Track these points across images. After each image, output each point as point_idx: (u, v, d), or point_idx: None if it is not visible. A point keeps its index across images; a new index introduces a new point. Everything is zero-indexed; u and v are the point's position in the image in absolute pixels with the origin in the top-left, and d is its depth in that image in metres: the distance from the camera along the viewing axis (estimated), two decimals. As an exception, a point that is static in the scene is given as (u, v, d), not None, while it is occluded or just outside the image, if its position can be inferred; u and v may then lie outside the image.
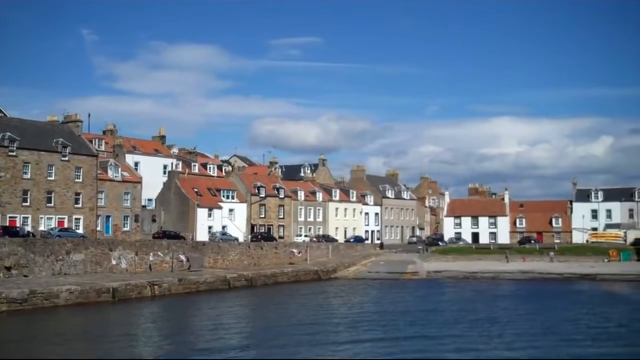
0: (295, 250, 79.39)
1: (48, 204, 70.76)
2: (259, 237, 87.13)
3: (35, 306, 42.23)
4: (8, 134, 68.33)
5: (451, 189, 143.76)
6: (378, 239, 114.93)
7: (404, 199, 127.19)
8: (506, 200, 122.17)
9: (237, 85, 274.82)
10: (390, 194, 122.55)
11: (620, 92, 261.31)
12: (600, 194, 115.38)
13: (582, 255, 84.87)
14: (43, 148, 71.20)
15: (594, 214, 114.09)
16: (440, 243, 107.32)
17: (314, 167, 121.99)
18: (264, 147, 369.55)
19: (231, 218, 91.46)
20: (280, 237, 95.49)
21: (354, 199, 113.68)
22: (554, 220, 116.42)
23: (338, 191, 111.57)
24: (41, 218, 69.75)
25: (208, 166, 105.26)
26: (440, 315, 44.12)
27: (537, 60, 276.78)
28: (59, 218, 71.51)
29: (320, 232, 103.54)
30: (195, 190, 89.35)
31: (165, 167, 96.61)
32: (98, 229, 75.47)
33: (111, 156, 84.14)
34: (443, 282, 70.18)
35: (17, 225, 65.83)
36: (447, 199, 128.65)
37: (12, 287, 43.30)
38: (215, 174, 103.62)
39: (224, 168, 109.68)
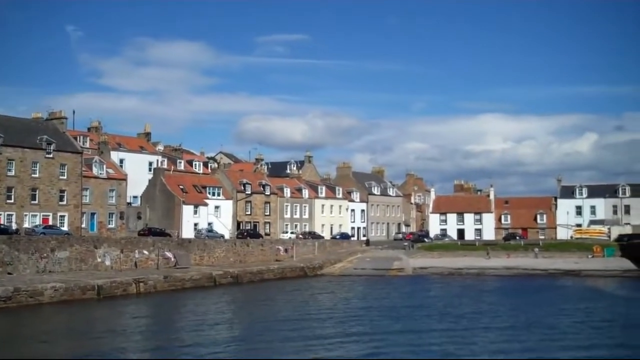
0: (281, 247, 79.41)
1: (32, 201, 70.39)
2: (245, 234, 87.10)
3: (19, 304, 42.00)
4: (-8, 130, 67.91)
5: (437, 186, 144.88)
6: (364, 235, 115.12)
7: (390, 195, 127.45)
8: (491, 196, 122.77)
9: (223, 82, 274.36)
10: (376, 190, 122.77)
11: (605, 89, 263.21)
12: (584, 190, 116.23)
13: (567, 251, 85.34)
14: (27, 145, 70.80)
15: (579, 211, 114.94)
16: (425, 239, 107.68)
17: (300, 164, 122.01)
18: (250, 144, 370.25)
19: (217, 215, 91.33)
20: (267, 234, 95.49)
21: (340, 195, 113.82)
22: (538, 216, 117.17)
23: (324, 188, 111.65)
24: (25, 215, 69.41)
25: (194, 163, 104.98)
26: (426, 311, 44.34)
27: (522, 58, 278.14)
28: (43, 215, 71.17)
29: (307, 229, 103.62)
30: (181, 187, 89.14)
31: (150, 164, 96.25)
32: (83, 226, 75.16)
33: (96, 153, 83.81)
34: (429, 278, 70.45)
35: (1, 222, 65.46)
36: (432, 195, 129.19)
37: (-4, 285, 43.06)
38: (201, 171, 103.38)
39: (209, 165, 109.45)
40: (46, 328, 36.42)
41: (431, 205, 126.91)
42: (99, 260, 57.24)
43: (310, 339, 33.71)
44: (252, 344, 32.45)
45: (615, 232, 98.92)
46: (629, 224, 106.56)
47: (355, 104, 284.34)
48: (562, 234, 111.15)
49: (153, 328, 38.20)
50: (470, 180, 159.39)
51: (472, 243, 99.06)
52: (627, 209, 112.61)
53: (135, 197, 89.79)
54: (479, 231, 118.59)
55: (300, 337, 33.93)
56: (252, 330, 36.82)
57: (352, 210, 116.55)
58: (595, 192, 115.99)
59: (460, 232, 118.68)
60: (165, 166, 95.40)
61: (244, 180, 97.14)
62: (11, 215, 68.15)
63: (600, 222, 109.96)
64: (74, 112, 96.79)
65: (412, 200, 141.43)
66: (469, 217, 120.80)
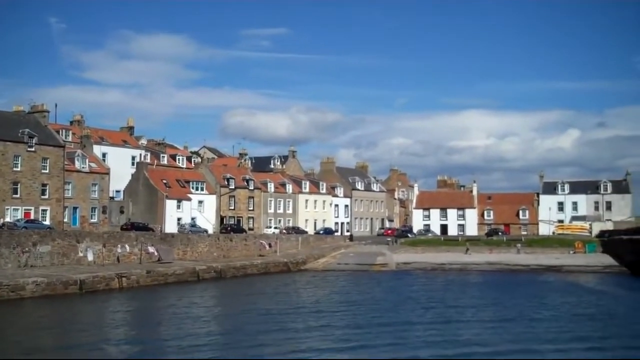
0: (264, 242, 79.33)
1: (14, 195, 69.76)
2: (229, 228, 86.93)
3: (0, 298, 41.76)
4: (-28, 124, 67.24)
5: (420, 181, 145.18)
6: (348, 230, 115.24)
7: (374, 191, 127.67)
8: (474, 192, 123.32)
9: (206, 75, 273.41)
10: (360, 186, 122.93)
11: (587, 85, 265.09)
12: (566, 186, 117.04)
13: (549, 247, 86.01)
14: (9, 138, 70.12)
15: (560, 207, 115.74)
16: (409, 235, 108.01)
17: (284, 159, 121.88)
18: (234, 139, 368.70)
19: (200, 210, 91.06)
20: (250, 229, 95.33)
21: (324, 190, 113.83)
22: (521, 212, 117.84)
23: (308, 183, 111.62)
24: (7, 209, 68.75)
25: (177, 157, 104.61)
26: (409, 304, 44.51)
27: (504, 54, 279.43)
28: (25, 209, 70.55)
29: (290, 224, 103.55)
30: (164, 181, 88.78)
31: (133, 158, 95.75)
32: (65, 220, 74.63)
33: (78, 147, 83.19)
34: (412, 273, 70.75)
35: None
36: (416, 191, 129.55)
37: (-23, 279, 42.74)
38: (185, 166, 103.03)
39: (193, 159, 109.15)
40: (26, 323, 36.20)
41: (414, 201, 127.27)
42: (81, 254, 56.91)
43: (290, 331, 34.01)
44: (233, 339, 32.36)
45: (597, 228, 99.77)
46: (610, 220, 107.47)
47: (339, 98, 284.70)
48: (544, 229, 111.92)
49: (134, 323, 38.10)
50: (453, 176, 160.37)
51: (455, 238, 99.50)
52: (609, 205, 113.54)
53: (118, 191, 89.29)
54: (462, 227, 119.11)
55: (281, 331, 34.13)
56: (233, 324, 36.77)
57: (336, 206, 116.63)
58: (577, 188, 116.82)
59: (444, 228, 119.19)
60: (148, 160, 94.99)
61: (228, 175, 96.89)
62: (-8, 209, 67.50)
63: (582, 218, 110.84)
64: (56, 105, 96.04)
65: (396, 196, 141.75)
66: (452, 213, 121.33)
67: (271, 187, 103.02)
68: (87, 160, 79.23)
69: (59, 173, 74.43)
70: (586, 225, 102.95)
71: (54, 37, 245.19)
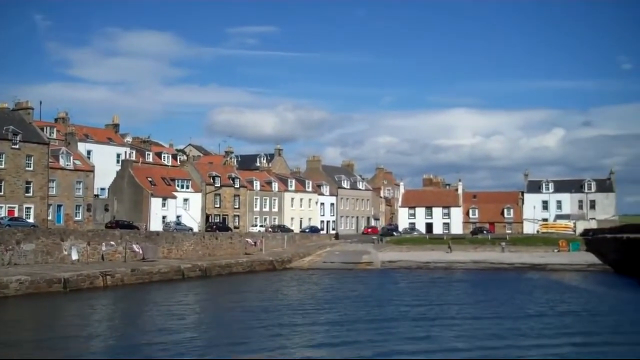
0: (250, 241, 79.24)
1: (-3, 193, 69.32)
2: (214, 227, 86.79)
3: (-17, 297, 41.56)
4: (-45, 121, 66.72)
5: (406, 180, 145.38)
6: (333, 229, 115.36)
7: (360, 189, 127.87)
8: (460, 191, 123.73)
9: (193, 73, 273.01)
10: (345, 184, 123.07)
11: (573, 85, 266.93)
12: (550, 185, 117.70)
13: (533, 245, 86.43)
14: (-8, 136, 69.69)
15: (545, 205, 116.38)
16: (394, 233, 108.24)
17: (270, 157, 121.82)
18: (220, 137, 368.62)
19: (186, 208, 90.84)
20: (236, 227, 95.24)
21: (310, 189, 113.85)
22: (505, 211, 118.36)
23: (294, 181, 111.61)
24: (-10, 207, 68.33)
25: (162, 155, 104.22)
26: (393, 302, 44.64)
27: (490, 53, 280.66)
28: (9, 207, 70.13)
29: (276, 222, 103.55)
30: (149, 179, 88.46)
31: (118, 155, 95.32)
32: (49, 218, 74.23)
33: (63, 144, 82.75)
34: (397, 272, 70.89)
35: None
36: (401, 189, 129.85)
37: (-40, 278, 42.45)
38: (170, 163, 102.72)
39: (178, 157, 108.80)
40: (8, 321, 36.00)
41: (400, 199, 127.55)
42: (66, 253, 56.64)
43: (274, 328, 34.17)
44: (216, 337, 32.35)
45: (581, 226, 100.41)
46: (594, 218, 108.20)
47: (326, 97, 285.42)
48: (529, 228, 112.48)
49: (117, 321, 38.00)
50: (439, 175, 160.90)
51: (440, 237, 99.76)
52: (593, 204, 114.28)
53: (102, 189, 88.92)
54: (447, 225, 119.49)
55: (265, 328, 34.22)
56: (217, 322, 36.82)
57: (322, 204, 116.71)
58: (561, 187, 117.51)
59: (429, 226, 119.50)
60: (133, 158, 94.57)
61: (214, 173, 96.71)
62: (-25, 206, 67.07)
63: (566, 216, 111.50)
64: (40, 102, 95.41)
65: (382, 194, 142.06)
66: (437, 211, 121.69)
67: (257, 185, 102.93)
68: (71, 158, 78.82)
69: (43, 170, 74.02)
70: (570, 223, 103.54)
71: (39, 34, 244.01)
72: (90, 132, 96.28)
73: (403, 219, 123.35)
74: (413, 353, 28.87)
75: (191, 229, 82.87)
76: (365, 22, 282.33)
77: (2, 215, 67.63)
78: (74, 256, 56.22)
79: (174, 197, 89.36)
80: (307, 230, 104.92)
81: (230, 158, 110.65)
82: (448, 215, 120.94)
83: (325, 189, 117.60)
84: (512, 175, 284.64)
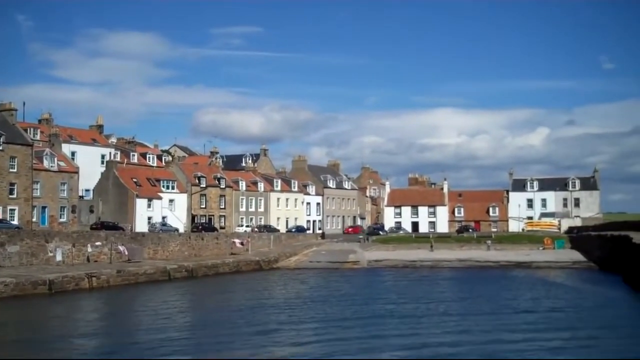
0: (236, 241, 79.04)
1: (-19, 195, 68.72)
2: (200, 227, 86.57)
3: (-33, 299, 41.20)
4: (-62, 122, 66.05)
5: (392, 179, 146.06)
6: (319, 228, 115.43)
7: (345, 189, 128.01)
8: (445, 190, 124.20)
9: (178, 74, 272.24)
10: (331, 184, 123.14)
11: (557, 84, 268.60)
12: (535, 183, 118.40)
13: (518, 243, 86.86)
14: (-25, 137, 69.08)
15: (530, 203, 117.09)
16: (380, 232, 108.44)
17: (256, 157, 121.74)
18: (206, 137, 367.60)
19: (171, 208, 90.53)
20: (222, 228, 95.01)
21: (296, 189, 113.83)
22: (491, 209, 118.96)
23: (280, 181, 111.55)
24: (-27, 209, 67.74)
25: (147, 156, 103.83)
26: (379, 300, 44.72)
27: (475, 53, 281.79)
28: (-8, 209, 69.54)
29: (262, 222, 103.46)
30: (134, 180, 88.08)
31: (103, 156, 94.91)
32: (34, 220, 73.65)
33: (47, 146, 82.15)
34: (384, 271, 70.98)
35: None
36: (387, 188, 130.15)
37: (-57, 280, 42.05)
38: (155, 164, 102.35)
39: (163, 158, 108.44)
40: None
41: (386, 199, 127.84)
42: (51, 254, 56.25)
43: (260, 326, 34.19)
44: (202, 337, 32.22)
45: (566, 224, 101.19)
46: (578, 216, 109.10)
47: (311, 97, 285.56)
48: (514, 226, 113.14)
49: (103, 322, 37.80)
50: (424, 174, 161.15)
51: (426, 236, 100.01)
52: (577, 202, 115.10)
53: (87, 190, 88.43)
54: (432, 224, 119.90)
55: (251, 326, 34.27)
56: (203, 322, 36.68)
57: (308, 204, 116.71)
58: (546, 185, 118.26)
59: (415, 225, 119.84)
60: (118, 159, 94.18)
61: (199, 174, 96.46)
62: (-42, 209, 66.46)
63: (551, 214, 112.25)
64: (24, 103, 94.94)
65: (368, 194, 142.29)
66: (423, 210, 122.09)
67: (243, 185, 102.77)
68: (55, 159, 78.30)
69: (27, 172, 73.45)
70: (555, 221, 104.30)
71: (22, 35, 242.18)
72: (74, 133, 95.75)
73: (389, 218, 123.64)
74: (400, 349, 28.93)
75: (177, 230, 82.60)
76: (350, 24, 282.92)
77: (-14, 217, 67.13)
78: (59, 257, 55.88)
79: (160, 198, 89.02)
80: (293, 230, 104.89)
81: (216, 158, 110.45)
82: (434, 214, 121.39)
83: (311, 189, 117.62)
84: (497, 174, 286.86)
